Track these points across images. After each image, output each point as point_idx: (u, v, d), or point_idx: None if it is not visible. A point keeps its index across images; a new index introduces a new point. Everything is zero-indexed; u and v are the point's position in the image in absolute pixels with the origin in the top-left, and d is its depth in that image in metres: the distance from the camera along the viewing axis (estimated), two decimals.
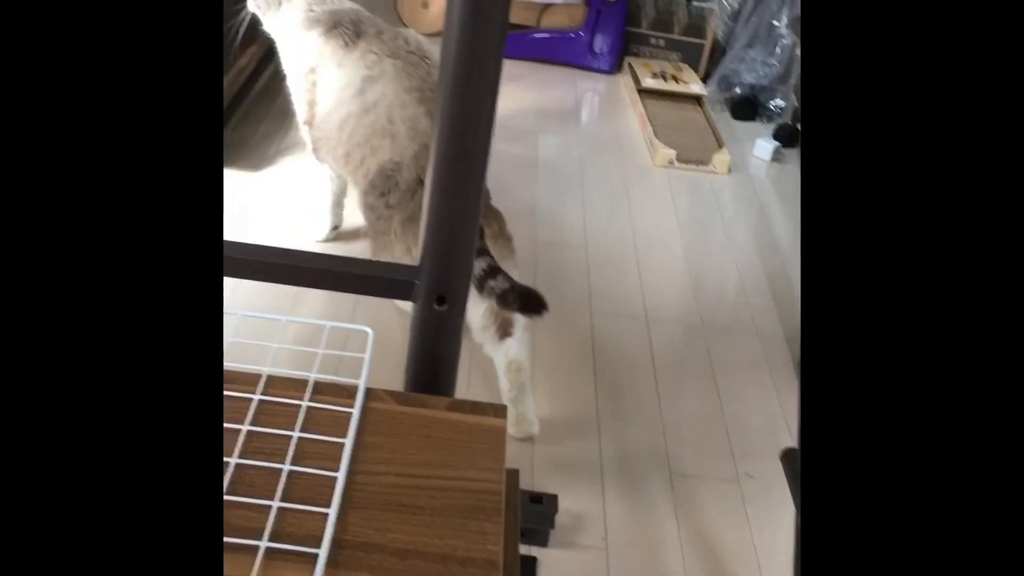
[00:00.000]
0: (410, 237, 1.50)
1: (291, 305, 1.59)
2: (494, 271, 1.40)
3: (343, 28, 1.60)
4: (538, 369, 1.60)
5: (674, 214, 2.15)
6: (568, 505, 1.35)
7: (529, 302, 1.39)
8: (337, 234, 1.82)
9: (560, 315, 1.73)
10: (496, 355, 1.48)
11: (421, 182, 1.48)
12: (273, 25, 1.64)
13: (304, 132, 1.69)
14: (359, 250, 1.80)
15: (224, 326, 0.82)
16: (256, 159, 2.05)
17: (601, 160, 2.34)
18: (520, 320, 1.48)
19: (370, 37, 1.60)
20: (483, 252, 1.41)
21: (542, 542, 1.33)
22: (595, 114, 2.66)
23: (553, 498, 1.34)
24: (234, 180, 1.96)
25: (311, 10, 1.60)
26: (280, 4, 1.60)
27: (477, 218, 0.88)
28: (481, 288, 1.40)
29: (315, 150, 1.68)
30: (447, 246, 0.88)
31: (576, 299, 1.79)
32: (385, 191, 1.51)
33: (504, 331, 1.47)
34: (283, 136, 2.12)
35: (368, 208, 1.55)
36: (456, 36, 0.77)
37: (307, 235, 1.81)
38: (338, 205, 1.78)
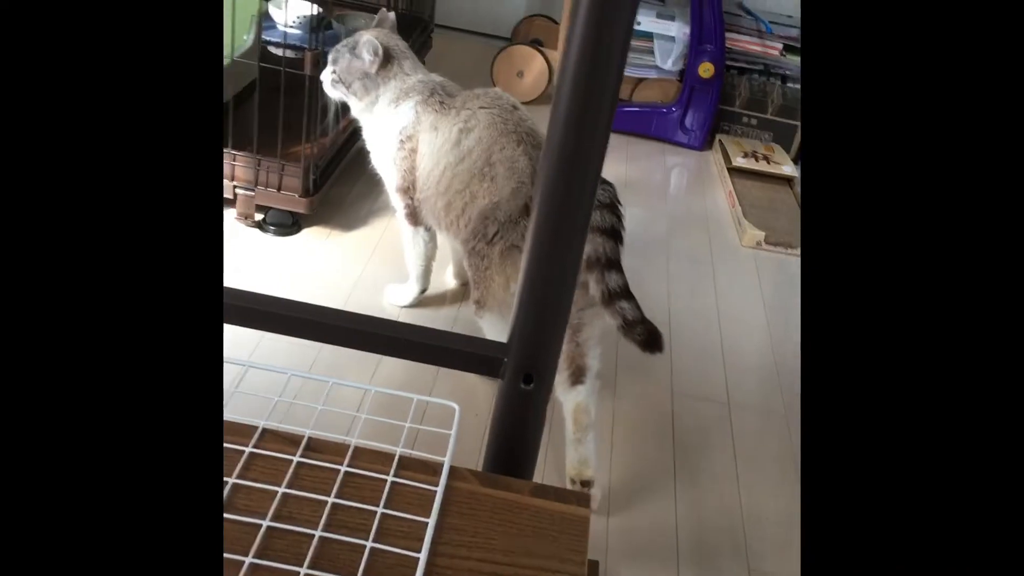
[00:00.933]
0: (509, 268, 1.53)
1: (373, 368, 1.60)
2: (628, 294, 1.44)
3: (437, 94, 1.64)
4: (618, 440, 1.58)
5: (760, 297, 2.12)
6: None
7: (652, 340, 1.43)
8: (422, 299, 1.83)
9: (641, 391, 1.71)
10: (565, 399, 1.49)
11: (525, 210, 1.50)
12: (364, 108, 1.69)
13: (396, 199, 1.72)
14: (443, 317, 1.82)
15: (317, 393, 0.83)
16: (348, 219, 2.09)
17: (687, 236, 2.33)
18: (593, 369, 1.48)
19: (462, 97, 1.64)
20: (617, 266, 1.45)
21: None
22: (683, 190, 2.65)
23: None
24: (326, 238, 2.00)
25: (404, 84, 1.65)
26: (378, 90, 1.65)
27: (571, 298, 0.88)
28: (609, 302, 1.43)
29: (410, 215, 1.71)
30: (538, 324, 0.88)
31: (658, 376, 1.76)
32: (487, 234, 1.55)
33: (576, 378, 1.48)
34: (375, 198, 2.16)
35: (473, 254, 1.57)
36: (564, 111, 0.78)
37: (394, 298, 1.82)
38: (427, 271, 1.80)
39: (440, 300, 1.87)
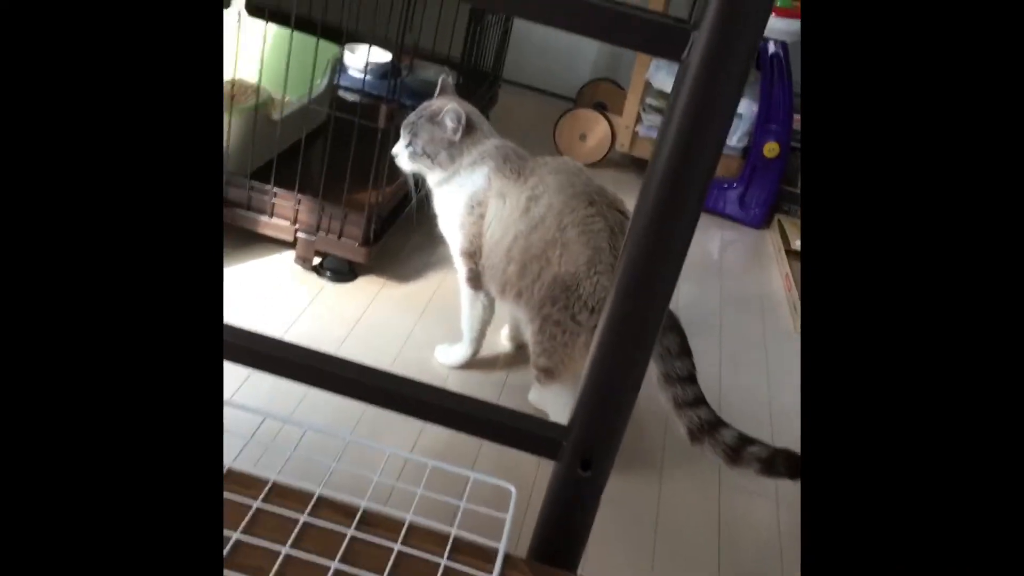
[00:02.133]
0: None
1: (416, 430, 1.58)
2: (745, 439, 1.45)
3: (511, 161, 1.64)
4: (661, 532, 1.54)
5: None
6: None
7: (795, 462, 1.42)
8: (472, 360, 1.82)
9: (688, 480, 1.67)
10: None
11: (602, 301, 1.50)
12: (444, 178, 1.68)
13: (459, 262, 1.72)
14: (493, 381, 1.80)
15: (374, 465, 0.82)
16: (404, 271, 2.09)
17: (740, 318, 2.30)
18: None
19: (531, 164, 1.64)
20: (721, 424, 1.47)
21: None
22: (739, 268, 2.63)
23: None
24: (380, 288, 2.00)
25: (481, 149, 1.65)
26: (461, 158, 1.65)
27: (639, 386, 0.86)
28: (735, 460, 1.45)
29: (472, 279, 1.71)
30: (603, 409, 0.86)
31: (706, 466, 1.72)
32: (568, 304, 1.53)
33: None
34: (432, 251, 2.16)
35: (545, 319, 1.56)
36: (654, 194, 0.76)
37: (445, 358, 1.81)
38: (482, 335, 1.79)
39: (490, 363, 1.85)
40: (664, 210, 0.77)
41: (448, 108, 1.63)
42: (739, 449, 1.46)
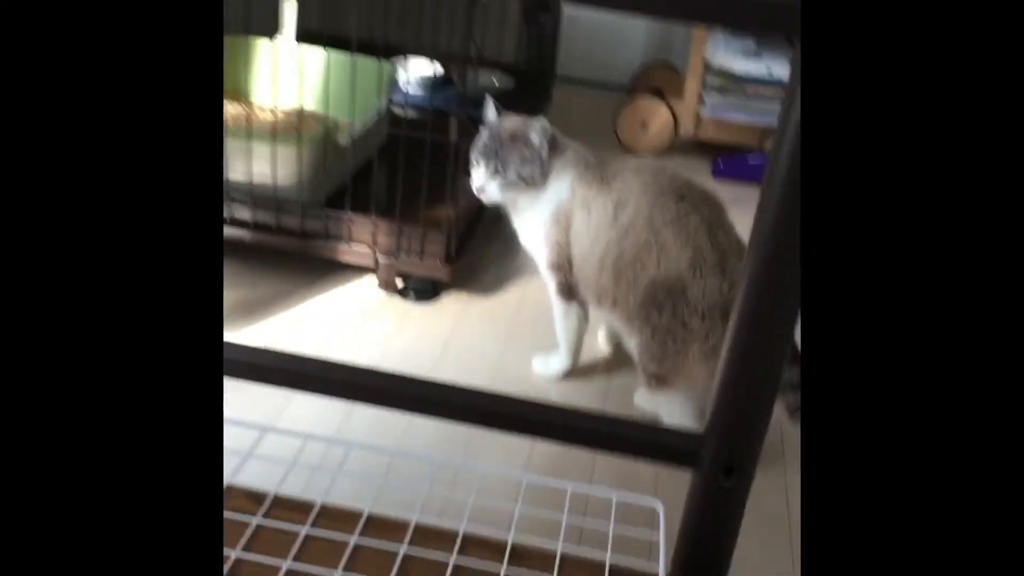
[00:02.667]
0: (708, 369, 1.47)
1: (526, 449, 1.55)
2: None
3: (592, 168, 1.60)
4: (794, 528, 1.48)
5: None
6: None
7: None
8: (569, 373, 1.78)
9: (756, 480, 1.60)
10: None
11: (724, 312, 1.44)
12: (534, 196, 1.63)
13: (548, 275, 1.67)
14: (594, 388, 1.76)
15: (513, 493, 0.79)
16: (486, 283, 2.07)
17: None
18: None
19: (612, 168, 1.60)
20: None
21: None
22: None
23: None
24: (466, 303, 1.98)
25: (561, 159, 1.60)
26: (550, 173, 1.60)
27: (777, 382, 0.82)
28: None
29: (563, 291, 1.67)
30: (742, 411, 0.82)
31: (773, 468, 1.66)
32: (676, 310, 1.48)
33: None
34: (511, 259, 2.13)
35: (655, 328, 1.51)
36: (783, 174, 0.72)
37: (543, 369, 1.77)
38: (579, 345, 1.75)
39: (590, 369, 1.81)
40: (792, 196, 0.73)
41: (533, 124, 1.58)
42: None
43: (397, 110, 2.26)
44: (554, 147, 1.60)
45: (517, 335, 1.88)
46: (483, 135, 1.62)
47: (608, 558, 0.72)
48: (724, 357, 0.80)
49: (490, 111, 1.65)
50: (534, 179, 1.58)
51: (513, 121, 1.62)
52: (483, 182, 1.60)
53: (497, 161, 1.58)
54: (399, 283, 1.95)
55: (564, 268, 1.62)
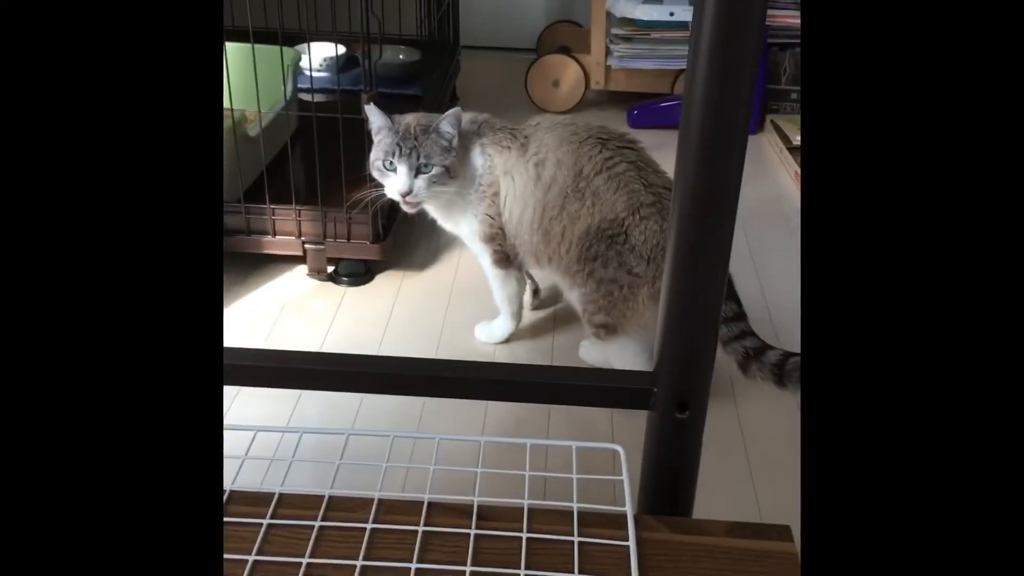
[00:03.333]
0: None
1: (480, 417, 1.54)
2: (789, 354, 1.46)
3: (502, 133, 1.58)
4: (753, 458, 1.50)
5: None
6: None
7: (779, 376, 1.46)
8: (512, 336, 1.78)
9: (760, 396, 1.63)
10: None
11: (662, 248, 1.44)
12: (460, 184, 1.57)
13: (481, 248, 1.64)
14: (541, 348, 1.76)
15: (473, 457, 0.78)
16: (419, 259, 2.05)
17: (764, 226, 2.25)
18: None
19: (522, 130, 1.58)
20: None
21: None
22: (747, 178, 2.57)
23: None
24: (400, 281, 1.96)
25: (467, 132, 1.57)
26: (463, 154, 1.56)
27: (719, 313, 0.82)
28: (780, 378, 1.45)
29: (500, 260, 1.64)
30: (689, 347, 0.82)
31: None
32: (621, 258, 1.47)
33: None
34: (441, 233, 2.11)
35: (600, 280, 1.49)
36: (699, 112, 0.72)
37: (486, 336, 1.77)
38: (520, 307, 1.74)
39: (533, 330, 1.81)
40: (711, 134, 0.73)
41: (447, 114, 1.52)
42: (782, 365, 1.43)
43: (305, 96, 2.21)
44: (461, 128, 1.55)
45: (456, 307, 1.87)
46: (385, 140, 1.52)
47: (575, 505, 0.71)
48: (664, 297, 0.80)
49: (376, 116, 1.54)
50: (455, 168, 1.53)
51: (417, 116, 1.56)
52: (406, 184, 1.50)
53: (418, 157, 1.50)
54: (330, 269, 1.92)
55: (498, 238, 1.61)
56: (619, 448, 0.79)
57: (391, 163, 1.51)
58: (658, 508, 0.87)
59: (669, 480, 0.88)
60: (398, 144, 1.50)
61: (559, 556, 0.68)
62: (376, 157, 1.54)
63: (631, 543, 0.69)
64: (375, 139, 1.55)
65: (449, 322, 1.82)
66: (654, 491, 0.89)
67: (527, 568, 0.67)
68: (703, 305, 0.80)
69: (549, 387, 0.90)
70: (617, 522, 0.71)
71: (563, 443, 0.80)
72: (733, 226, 0.77)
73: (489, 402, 1.48)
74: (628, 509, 0.72)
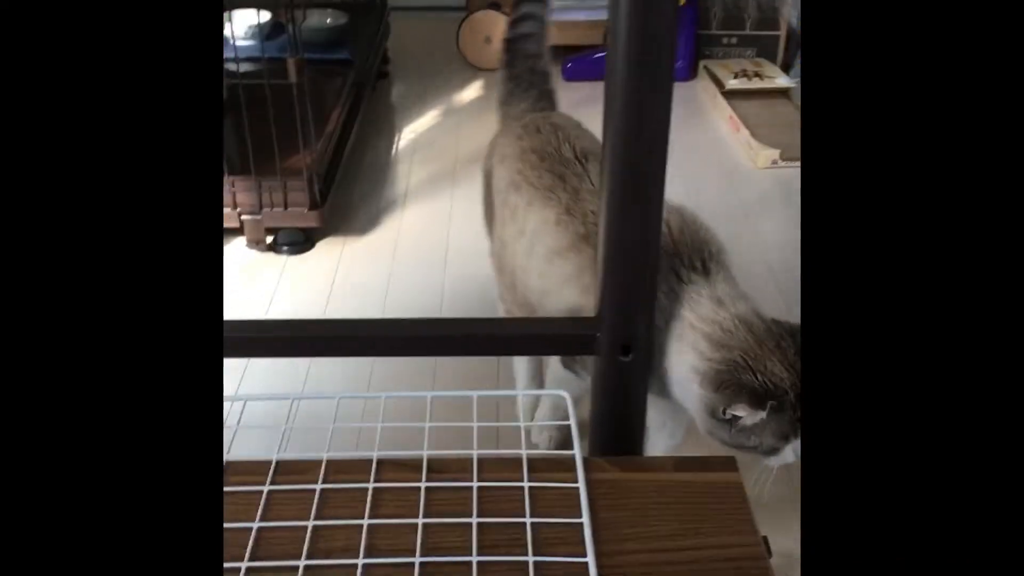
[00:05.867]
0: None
1: (429, 375, 1.54)
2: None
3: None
4: None
5: (790, 215, 2.07)
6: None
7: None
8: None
9: None
10: None
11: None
12: None
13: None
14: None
15: (421, 413, 0.78)
16: (360, 223, 2.03)
17: (701, 173, 2.27)
18: None
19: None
20: None
21: None
22: (681, 125, 2.58)
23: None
24: (342, 247, 1.94)
25: None
26: None
27: (657, 257, 0.83)
28: None
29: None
30: (628, 291, 0.83)
31: None
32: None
33: None
34: (380, 195, 2.10)
35: None
36: (623, 56, 0.72)
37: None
38: None
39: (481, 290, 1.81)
40: (636, 79, 0.73)
41: None
42: None
43: (231, 65, 2.17)
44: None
45: (399, 269, 1.86)
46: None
47: (524, 452, 0.72)
48: (601, 244, 0.80)
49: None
50: None
51: None
52: None
53: None
54: (269, 239, 1.90)
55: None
56: (565, 394, 0.79)
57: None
58: (609, 450, 0.88)
59: (619, 421, 0.89)
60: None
61: (510, 502, 0.68)
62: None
63: (580, 484, 0.69)
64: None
65: (393, 285, 1.81)
66: (604, 434, 0.90)
67: (479, 516, 0.67)
68: (640, 250, 0.81)
69: (493, 339, 0.90)
70: (567, 465, 0.72)
71: (510, 393, 0.81)
72: (664, 170, 0.78)
73: (439, 359, 1.48)
74: (576, 452, 0.73)
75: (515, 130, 1.34)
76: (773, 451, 1.04)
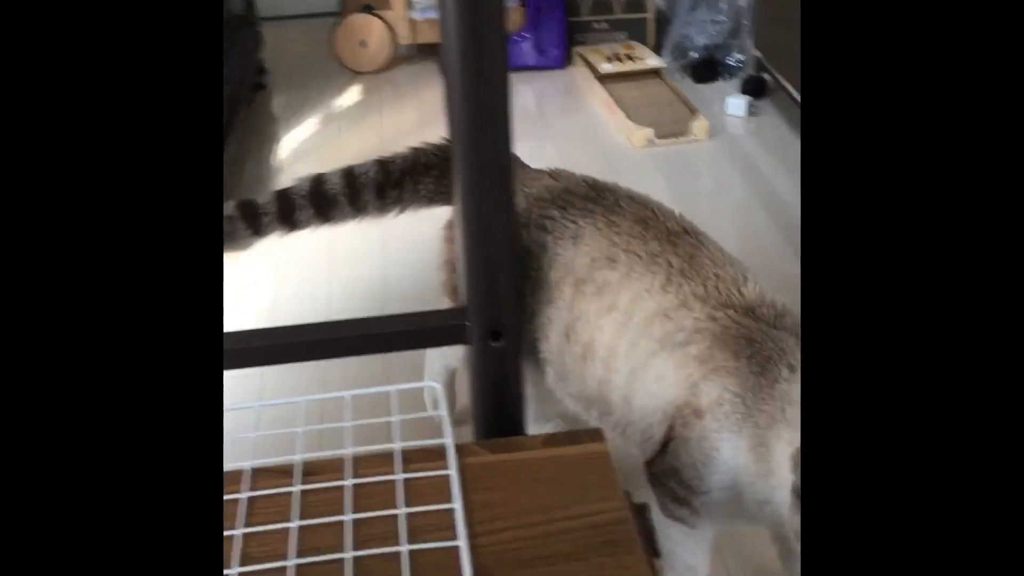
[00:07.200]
0: None
1: (315, 380, 1.54)
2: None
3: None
4: None
5: (669, 191, 2.12)
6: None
7: None
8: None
9: None
10: None
11: None
12: None
13: None
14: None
15: (294, 414, 0.79)
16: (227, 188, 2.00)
17: (579, 155, 2.31)
18: None
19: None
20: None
21: (655, 552, 1.30)
22: (560, 111, 2.63)
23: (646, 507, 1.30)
24: (225, 261, 1.91)
25: None
26: None
27: (515, 241, 0.85)
28: None
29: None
30: (491, 278, 0.85)
31: None
32: None
33: None
34: (256, 159, 2.08)
35: None
36: (458, 62, 0.74)
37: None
38: None
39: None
40: (473, 71, 0.75)
41: None
42: None
43: None
44: None
45: (283, 281, 1.85)
46: None
47: (397, 445, 0.73)
48: (459, 236, 0.82)
49: None
50: None
51: None
52: None
53: None
54: None
55: None
56: (436, 385, 0.81)
57: None
58: (493, 435, 0.89)
59: (499, 406, 0.91)
60: None
61: (384, 496, 0.70)
62: None
63: (452, 471, 0.71)
64: None
65: (280, 295, 1.80)
66: (486, 420, 0.91)
67: (354, 512, 0.68)
68: (498, 237, 0.82)
69: (363, 338, 0.91)
70: (440, 454, 0.73)
71: (383, 389, 0.82)
72: (510, 155, 0.79)
73: (323, 362, 1.47)
74: (447, 440, 0.74)
75: None
76: None
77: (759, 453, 0.96)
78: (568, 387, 1.16)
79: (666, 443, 1.05)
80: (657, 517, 1.13)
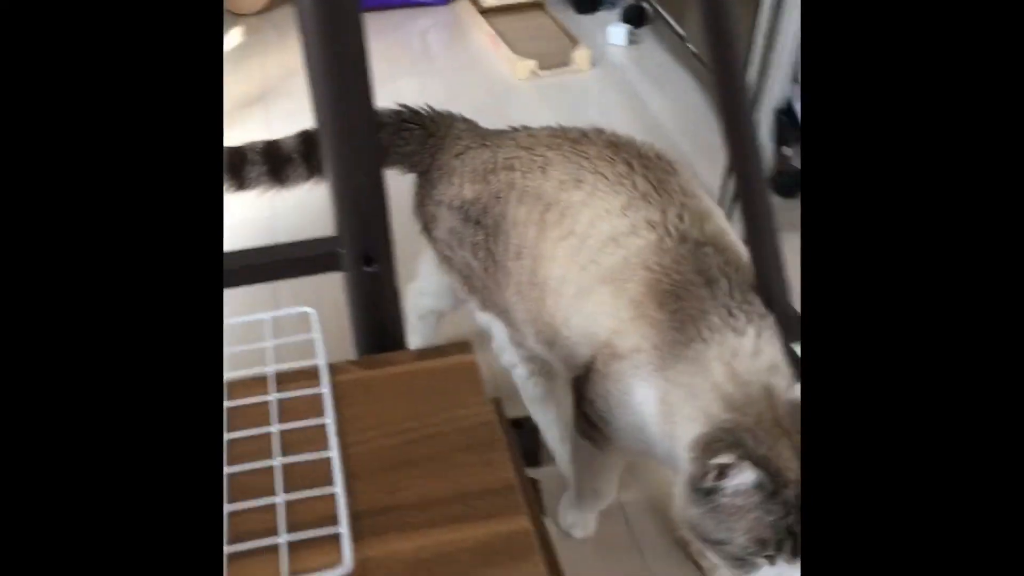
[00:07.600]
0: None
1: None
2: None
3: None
4: None
5: (553, 121, 2.15)
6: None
7: None
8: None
9: None
10: None
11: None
12: None
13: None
14: None
15: None
16: None
17: (464, 90, 2.32)
18: None
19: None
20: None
21: (534, 463, 1.35)
22: (444, 47, 2.62)
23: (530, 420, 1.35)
24: None
25: None
26: None
27: (380, 166, 0.87)
28: None
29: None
30: (360, 205, 0.86)
31: None
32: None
33: None
34: None
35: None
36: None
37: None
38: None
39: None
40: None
41: None
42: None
43: None
44: None
45: None
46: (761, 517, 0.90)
47: (271, 368, 0.75)
48: (327, 166, 0.83)
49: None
50: None
51: None
52: None
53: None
54: None
55: None
56: (310, 310, 0.83)
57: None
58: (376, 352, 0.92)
59: (376, 329, 0.93)
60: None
61: (258, 416, 0.72)
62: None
63: (325, 388, 0.73)
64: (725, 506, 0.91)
65: None
66: (365, 342, 0.94)
67: (229, 432, 0.70)
68: (364, 163, 0.84)
69: (239, 270, 0.92)
70: (314, 375, 0.76)
71: (259, 317, 0.83)
72: (368, 73, 0.80)
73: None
74: (320, 360, 0.76)
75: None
76: (741, 561, 0.90)
77: (665, 410, 0.99)
78: (532, 329, 1.18)
79: (588, 371, 1.09)
80: (571, 434, 1.19)
